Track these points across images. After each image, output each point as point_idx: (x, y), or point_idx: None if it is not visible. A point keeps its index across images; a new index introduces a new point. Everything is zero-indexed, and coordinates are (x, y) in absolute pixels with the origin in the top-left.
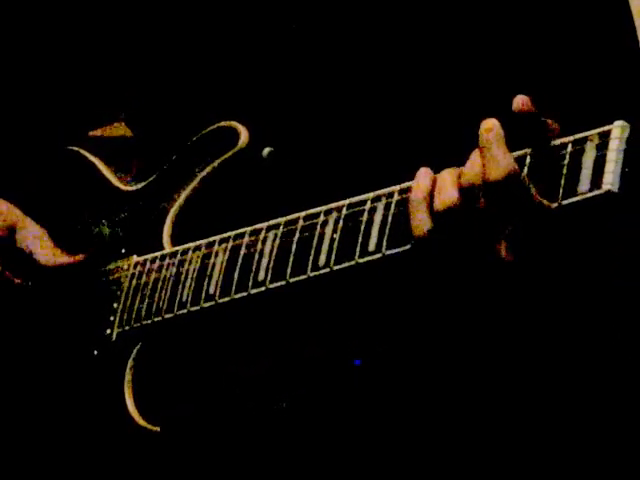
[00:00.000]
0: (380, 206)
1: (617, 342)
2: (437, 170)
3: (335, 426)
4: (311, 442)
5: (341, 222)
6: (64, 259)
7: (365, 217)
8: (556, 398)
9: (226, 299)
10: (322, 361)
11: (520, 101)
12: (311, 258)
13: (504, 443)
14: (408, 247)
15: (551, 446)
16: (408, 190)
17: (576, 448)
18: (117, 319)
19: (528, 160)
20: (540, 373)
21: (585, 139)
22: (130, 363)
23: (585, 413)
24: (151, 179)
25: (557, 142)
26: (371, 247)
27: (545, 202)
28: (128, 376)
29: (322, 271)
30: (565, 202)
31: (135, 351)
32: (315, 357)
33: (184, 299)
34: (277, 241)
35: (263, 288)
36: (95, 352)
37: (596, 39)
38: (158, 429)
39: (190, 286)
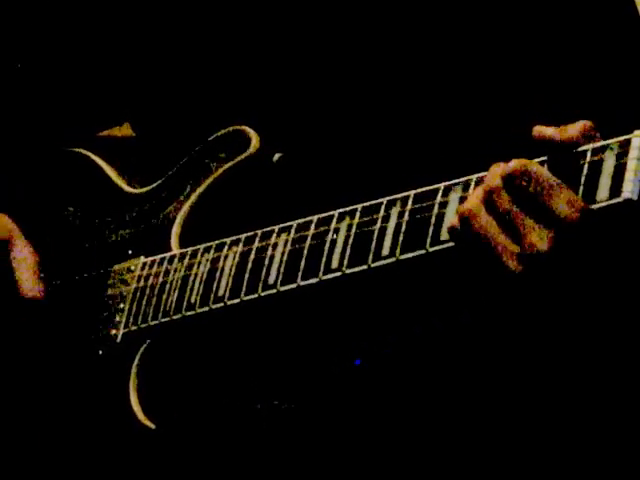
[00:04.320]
0: (394, 212)
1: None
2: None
3: (335, 426)
4: (312, 442)
5: (354, 226)
6: (37, 293)
7: (379, 222)
8: (557, 399)
9: (235, 301)
10: (328, 363)
11: (537, 132)
12: (323, 261)
13: (504, 443)
14: (423, 252)
15: (551, 446)
16: (422, 199)
17: (576, 448)
18: (123, 320)
19: (545, 167)
20: (544, 374)
21: (604, 147)
22: (136, 363)
23: (587, 413)
24: (160, 181)
25: (576, 150)
26: (385, 252)
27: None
28: (133, 376)
29: (334, 274)
30: None
31: (141, 351)
32: (322, 360)
33: (192, 301)
34: (289, 244)
35: (274, 291)
36: (100, 352)
37: (609, 45)
38: (161, 429)
39: (199, 288)
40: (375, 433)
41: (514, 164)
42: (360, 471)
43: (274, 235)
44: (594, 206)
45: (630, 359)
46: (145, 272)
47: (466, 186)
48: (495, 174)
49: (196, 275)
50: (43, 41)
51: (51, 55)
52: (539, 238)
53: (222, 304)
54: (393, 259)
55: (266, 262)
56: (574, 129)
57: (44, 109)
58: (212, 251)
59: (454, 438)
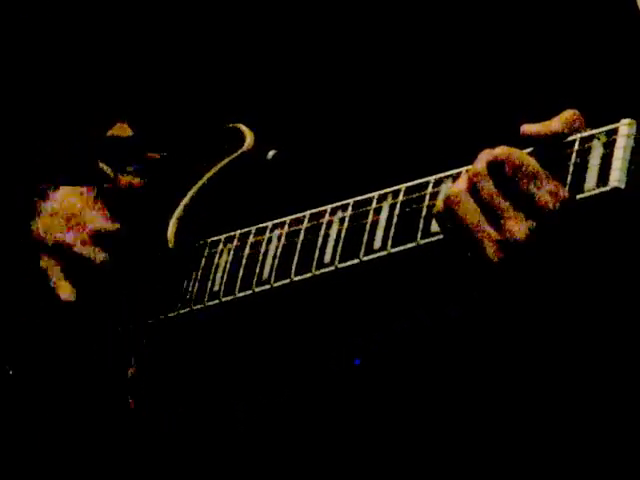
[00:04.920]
0: (386, 205)
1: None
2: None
3: (335, 426)
4: (311, 442)
5: (347, 220)
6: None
7: (371, 215)
8: (557, 399)
9: (229, 297)
10: (324, 360)
11: (523, 130)
12: (316, 256)
13: (504, 443)
14: (414, 245)
15: (551, 446)
16: (414, 191)
17: (576, 448)
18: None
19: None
20: (543, 373)
21: (592, 137)
22: (133, 362)
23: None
24: (156, 179)
25: (564, 140)
26: (376, 245)
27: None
28: (132, 375)
29: (327, 269)
30: None
31: (139, 349)
32: (318, 356)
33: (188, 297)
34: (282, 239)
35: (268, 286)
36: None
37: (603, 35)
38: (160, 427)
39: (195, 284)
40: (374, 432)
41: (499, 150)
42: (360, 471)
43: (268, 231)
44: (582, 195)
45: (616, 350)
46: None
47: (456, 178)
48: (481, 160)
49: (192, 272)
50: (43, 39)
51: (50, 54)
52: (519, 226)
53: (217, 300)
54: (384, 252)
55: (260, 258)
56: (559, 121)
57: (43, 108)
58: (207, 248)
59: (453, 438)
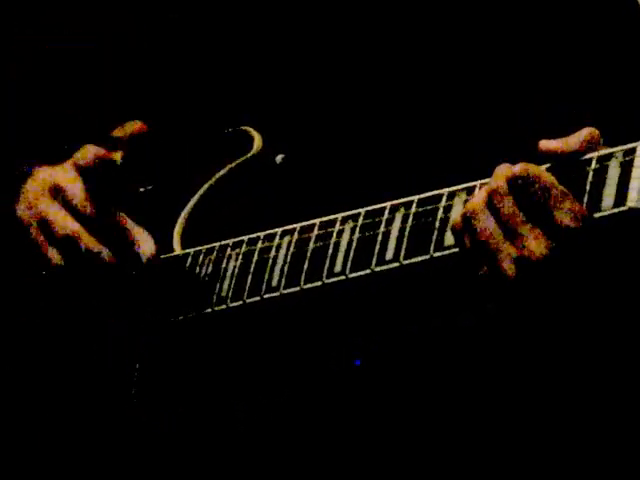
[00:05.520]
0: (398, 216)
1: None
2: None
3: (335, 426)
4: (311, 442)
5: (358, 230)
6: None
7: (383, 226)
8: (557, 399)
9: (238, 303)
10: (325, 360)
11: (542, 146)
12: (326, 265)
13: (504, 443)
14: (427, 257)
15: (551, 446)
16: (426, 203)
17: (576, 448)
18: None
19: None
20: (544, 374)
21: (610, 156)
22: (137, 363)
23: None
24: (162, 181)
25: (581, 158)
26: (388, 256)
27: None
28: (133, 376)
29: (337, 278)
30: None
31: (142, 350)
32: (319, 356)
33: (195, 301)
34: (292, 246)
35: (277, 293)
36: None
37: (617, 52)
38: (159, 425)
39: (202, 289)
40: (374, 433)
41: (520, 168)
42: (360, 471)
43: (277, 237)
44: (599, 214)
45: (627, 364)
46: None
47: (470, 191)
48: (500, 176)
49: (199, 277)
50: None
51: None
52: (538, 244)
53: (225, 306)
54: (397, 264)
55: (269, 264)
56: (578, 139)
57: (51, 105)
58: (215, 252)
59: (453, 438)
